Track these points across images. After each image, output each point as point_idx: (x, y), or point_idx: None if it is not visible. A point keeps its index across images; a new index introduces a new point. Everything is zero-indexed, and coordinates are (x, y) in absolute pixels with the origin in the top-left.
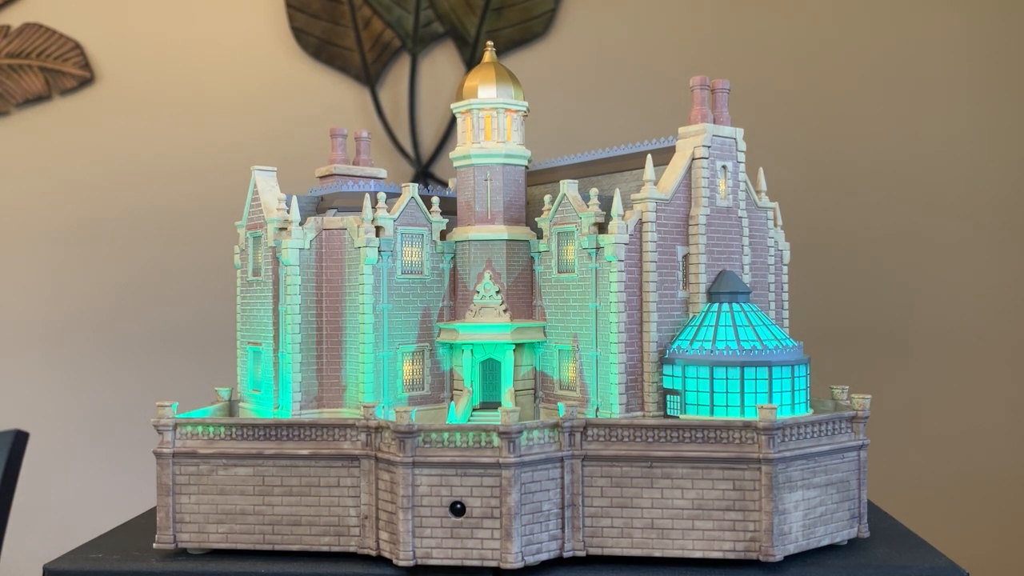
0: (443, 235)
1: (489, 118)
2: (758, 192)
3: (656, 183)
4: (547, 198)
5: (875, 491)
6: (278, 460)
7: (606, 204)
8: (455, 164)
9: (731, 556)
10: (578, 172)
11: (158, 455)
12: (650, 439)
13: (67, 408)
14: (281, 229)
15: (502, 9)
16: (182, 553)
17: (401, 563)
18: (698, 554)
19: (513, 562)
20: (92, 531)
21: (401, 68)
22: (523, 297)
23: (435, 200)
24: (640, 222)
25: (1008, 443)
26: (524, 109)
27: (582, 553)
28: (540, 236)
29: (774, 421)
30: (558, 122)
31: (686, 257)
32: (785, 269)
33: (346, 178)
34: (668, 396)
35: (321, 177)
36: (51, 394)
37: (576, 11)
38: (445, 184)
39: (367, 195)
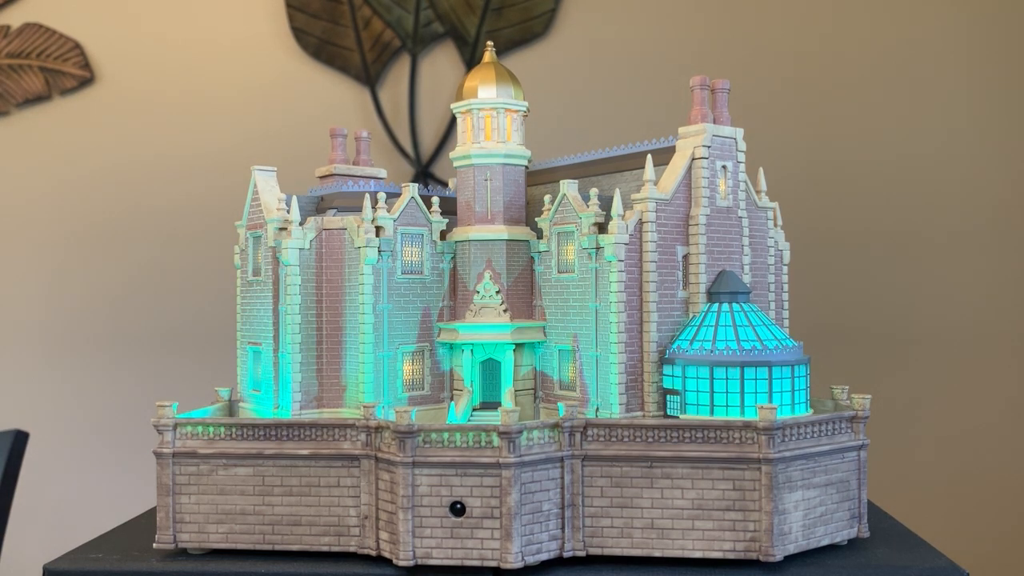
0: (443, 235)
1: (489, 118)
2: (758, 192)
3: (656, 183)
4: (547, 198)
5: (875, 491)
6: (278, 460)
7: (606, 204)
8: (455, 164)
9: (731, 556)
10: (578, 172)
11: (158, 455)
12: (650, 439)
13: (67, 408)
14: (281, 229)
15: (502, 9)
16: (182, 553)
17: (401, 563)
18: (698, 554)
19: (513, 562)
20: (92, 531)
21: (401, 68)
22: (523, 297)
23: (435, 200)
24: (640, 222)
25: (1008, 443)
26: (524, 109)
27: (582, 553)
28: (540, 236)
29: (774, 421)
30: (558, 122)
31: (686, 257)
32: (785, 269)
33: (346, 178)
34: (668, 396)
35: (321, 177)
36: (51, 394)
37: (576, 11)
38: (445, 184)
39: (367, 195)
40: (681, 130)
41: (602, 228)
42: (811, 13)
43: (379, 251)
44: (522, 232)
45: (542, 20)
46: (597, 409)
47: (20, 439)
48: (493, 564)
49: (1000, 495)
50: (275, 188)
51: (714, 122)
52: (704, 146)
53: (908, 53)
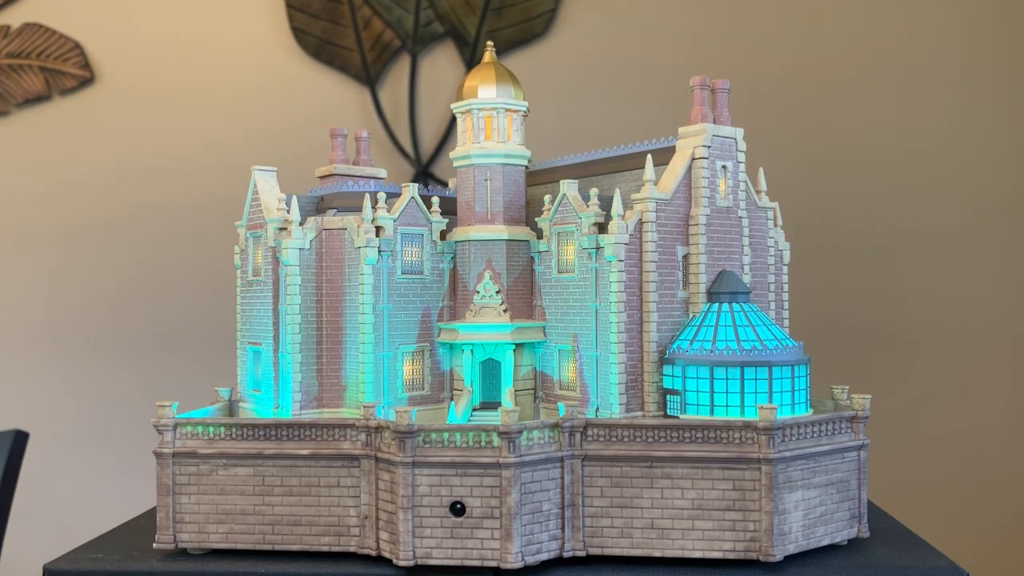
0: (443, 235)
1: (489, 118)
2: (758, 192)
3: (656, 183)
4: (547, 198)
5: (875, 491)
6: (278, 460)
7: (606, 204)
8: (455, 164)
9: (731, 556)
10: (578, 172)
11: (158, 455)
12: (650, 439)
13: (67, 408)
14: (281, 229)
15: (502, 9)
16: (182, 553)
17: (401, 563)
18: (698, 554)
19: (513, 562)
20: (92, 531)
21: (401, 68)
22: (523, 297)
23: (435, 200)
24: (640, 222)
25: (1008, 443)
26: (524, 109)
27: (582, 553)
28: (540, 236)
29: (774, 421)
30: (558, 122)
31: (686, 257)
32: (785, 269)
33: (346, 178)
34: (668, 396)
35: (321, 177)
36: (51, 394)
37: (576, 11)
38: (445, 184)
39: (367, 195)
40: (681, 130)
41: (602, 228)
42: (811, 13)
43: (379, 251)
44: (522, 232)
45: (542, 20)
46: (597, 409)
47: (20, 439)
48: (493, 564)
49: (1000, 495)
50: (275, 188)
51: (714, 122)
52: (704, 146)
53: (908, 52)
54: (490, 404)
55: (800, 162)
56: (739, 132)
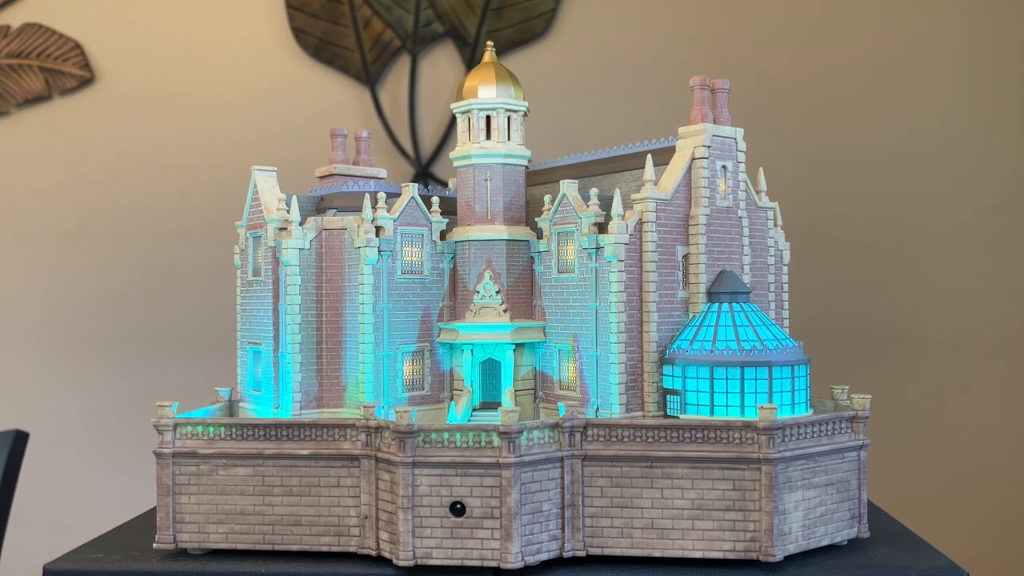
0: (443, 235)
1: (489, 118)
2: (758, 192)
3: (656, 183)
4: (547, 198)
5: (875, 491)
6: (278, 460)
7: (606, 204)
8: (455, 164)
9: (731, 556)
10: (578, 172)
11: (158, 455)
12: (650, 439)
13: (67, 408)
14: (281, 229)
15: (502, 9)
16: (182, 553)
17: (401, 563)
18: (698, 554)
19: (513, 562)
20: (92, 531)
21: (401, 68)
22: (523, 297)
23: (435, 200)
24: (640, 222)
25: (1008, 443)
26: (524, 109)
27: (582, 553)
28: (540, 236)
29: (774, 421)
30: (558, 122)
31: (686, 257)
32: (785, 269)
33: (346, 178)
34: (668, 396)
35: (321, 177)
36: (51, 394)
37: (576, 11)
38: (445, 184)
39: (367, 195)
40: (681, 130)
41: (602, 228)
42: (811, 13)
43: (379, 251)
44: (522, 232)
45: (542, 20)
46: (597, 409)
47: (20, 439)
48: (493, 564)
49: (1000, 495)
50: (275, 188)
51: (714, 122)
52: (704, 146)
53: (908, 52)
54: (490, 404)
55: (800, 162)
56: (739, 132)
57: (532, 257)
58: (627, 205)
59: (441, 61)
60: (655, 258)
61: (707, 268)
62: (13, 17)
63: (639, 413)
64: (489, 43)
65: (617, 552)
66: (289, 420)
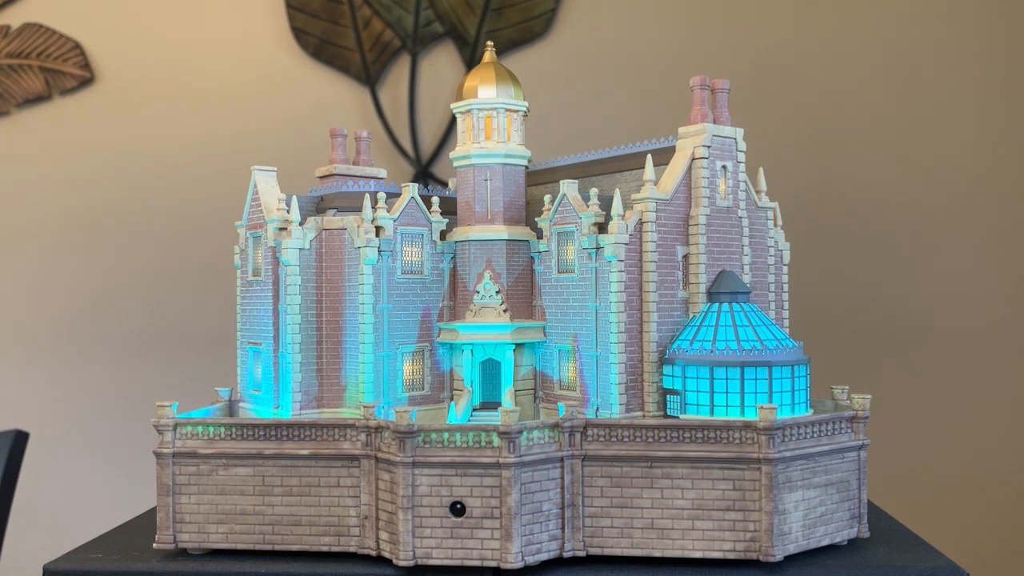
0: (443, 235)
1: (489, 118)
2: (758, 192)
3: (656, 183)
4: (547, 198)
5: (875, 491)
6: (278, 460)
7: (606, 204)
8: (455, 164)
9: (731, 556)
10: (578, 172)
11: (158, 455)
12: (650, 439)
13: (67, 408)
14: (281, 229)
15: (502, 9)
16: (182, 553)
17: (401, 563)
18: (698, 554)
19: (513, 562)
20: (92, 531)
21: (401, 68)
22: (523, 297)
23: (435, 200)
24: (640, 222)
25: (1008, 443)
26: (524, 109)
27: (582, 553)
28: (540, 236)
29: (774, 421)
30: (558, 122)
31: (686, 257)
32: (785, 269)
33: (346, 178)
34: (668, 396)
35: (321, 177)
36: (51, 394)
37: (576, 11)
38: (445, 184)
39: (367, 195)
40: (681, 130)
41: (602, 228)
42: (811, 13)
43: (379, 251)
44: (522, 232)
45: (542, 20)
46: (597, 409)
47: (20, 439)
48: (493, 564)
49: (1000, 495)
50: (275, 188)
51: (714, 122)
52: (704, 146)
53: (908, 51)
54: (490, 404)
55: (800, 162)
56: (739, 132)
57: (532, 257)
58: (627, 205)
59: (441, 61)
60: (655, 258)
61: (707, 268)
62: (13, 17)
63: (639, 413)
64: (489, 43)
65: (617, 552)
66: (289, 420)
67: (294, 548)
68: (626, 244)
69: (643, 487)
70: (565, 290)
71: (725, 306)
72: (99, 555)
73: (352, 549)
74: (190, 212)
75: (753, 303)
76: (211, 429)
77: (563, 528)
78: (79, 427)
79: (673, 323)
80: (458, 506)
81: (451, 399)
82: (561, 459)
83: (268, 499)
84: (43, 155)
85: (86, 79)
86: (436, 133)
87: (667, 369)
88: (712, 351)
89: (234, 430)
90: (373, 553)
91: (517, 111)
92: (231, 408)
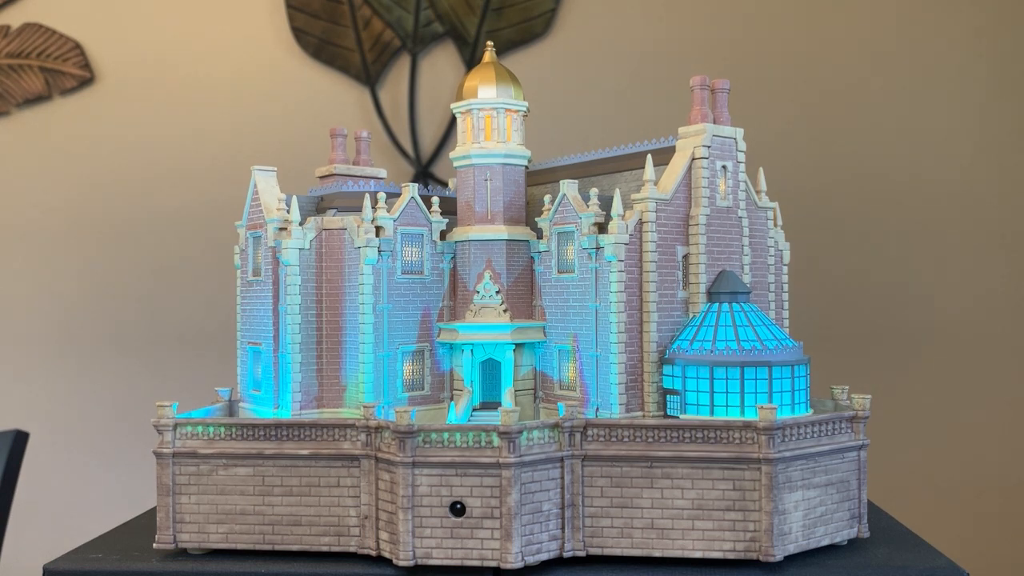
0: (443, 235)
1: (489, 118)
2: (758, 192)
3: (656, 183)
4: (547, 198)
5: (875, 491)
6: (278, 460)
7: (606, 204)
8: (455, 164)
9: (731, 556)
10: (578, 172)
11: (158, 455)
12: (650, 439)
13: (67, 408)
14: (281, 229)
15: (502, 9)
16: (182, 553)
17: (401, 563)
18: (698, 554)
19: (513, 562)
20: (92, 531)
21: (401, 68)
22: (523, 297)
23: (435, 200)
24: (640, 222)
25: (1008, 443)
26: (524, 109)
27: (582, 553)
28: (540, 236)
29: (774, 421)
30: (558, 122)
31: (686, 257)
32: (785, 269)
33: (346, 178)
34: (668, 396)
35: (321, 177)
36: (51, 394)
37: (576, 11)
38: (445, 184)
39: (367, 195)
40: (681, 130)
41: (602, 228)
42: (811, 12)
43: (379, 251)
44: (522, 232)
45: (542, 20)
46: (597, 409)
47: (20, 439)
48: (493, 564)
49: (1000, 495)
50: (275, 188)
51: (714, 122)
52: (704, 146)
53: (909, 51)
54: (490, 404)
55: (800, 162)
56: (739, 132)
57: (532, 257)
58: (627, 205)
59: (441, 61)
60: (655, 258)
61: (707, 268)
62: (13, 17)
63: (639, 413)
64: (489, 43)
65: (617, 552)
66: (289, 420)
67: (294, 548)
68: (626, 244)
69: (643, 487)
70: (565, 290)
71: (725, 306)
72: (99, 555)
73: (352, 549)
74: (190, 212)
75: (753, 303)
76: (211, 429)
77: (563, 528)
78: (79, 427)
79: (673, 323)
80: (458, 506)
81: (451, 399)
82: (561, 459)
83: (268, 499)
84: (43, 155)
85: (86, 79)
86: (436, 133)
87: (667, 369)
88: (712, 351)
89: (234, 430)
90: (373, 553)
91: (517, 111)
92: (231, 408)
